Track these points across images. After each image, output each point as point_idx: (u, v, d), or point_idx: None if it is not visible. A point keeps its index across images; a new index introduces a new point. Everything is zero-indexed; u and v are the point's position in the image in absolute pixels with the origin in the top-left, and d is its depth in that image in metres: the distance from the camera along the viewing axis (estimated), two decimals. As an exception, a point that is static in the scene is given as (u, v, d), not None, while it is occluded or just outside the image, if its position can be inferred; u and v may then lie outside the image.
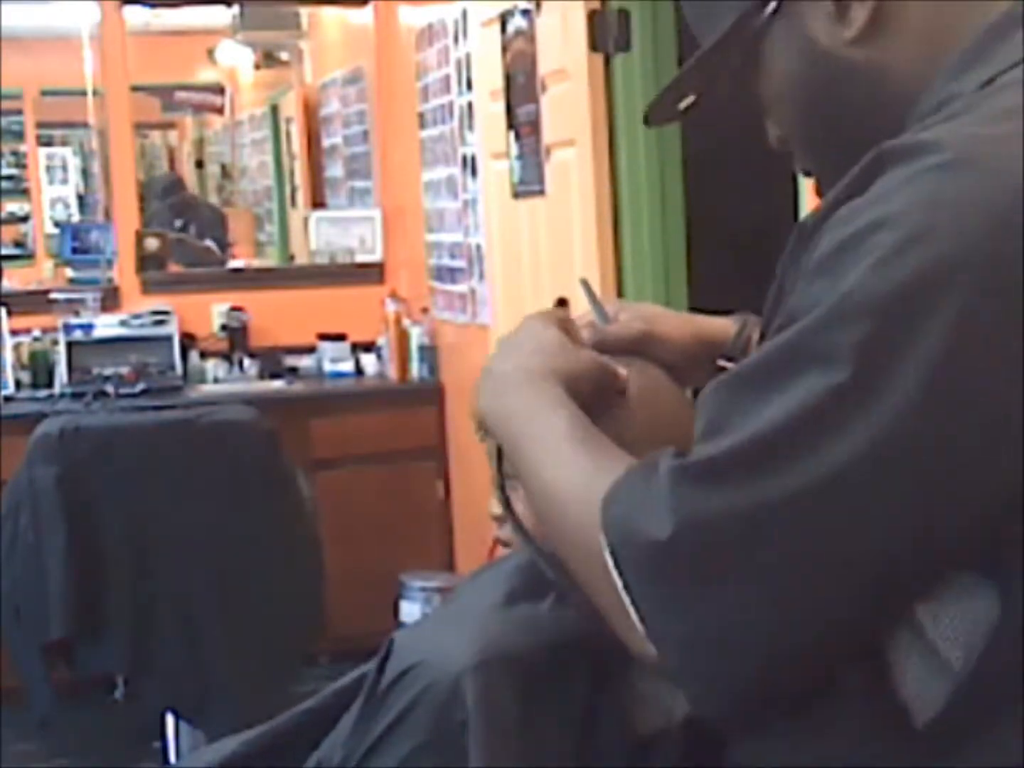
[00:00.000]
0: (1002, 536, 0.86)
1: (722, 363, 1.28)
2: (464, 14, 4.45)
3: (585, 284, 1.30)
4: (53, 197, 6.20)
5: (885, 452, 0.84)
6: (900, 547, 0.86)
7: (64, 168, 6.20)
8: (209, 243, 6.13)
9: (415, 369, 5.20)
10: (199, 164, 6.86)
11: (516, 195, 3.84)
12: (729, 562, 0.88)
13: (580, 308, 1.33)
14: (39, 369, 5.07)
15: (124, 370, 5.05)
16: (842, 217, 0.90)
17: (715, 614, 0.89)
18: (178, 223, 6.13)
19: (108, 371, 5.01)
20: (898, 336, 0.83)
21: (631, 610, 0.92)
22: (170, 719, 3.88)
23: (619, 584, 0.92)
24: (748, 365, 0.92)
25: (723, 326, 1.31)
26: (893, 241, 0.85)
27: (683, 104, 1.14)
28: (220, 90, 6.75)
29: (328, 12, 6.10)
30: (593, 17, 3.33)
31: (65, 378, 5.00)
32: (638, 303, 1.42)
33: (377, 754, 1.15)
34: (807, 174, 1.16)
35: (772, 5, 1.04)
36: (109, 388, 4.90)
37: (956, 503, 0.85)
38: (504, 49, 3.82)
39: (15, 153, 6.12)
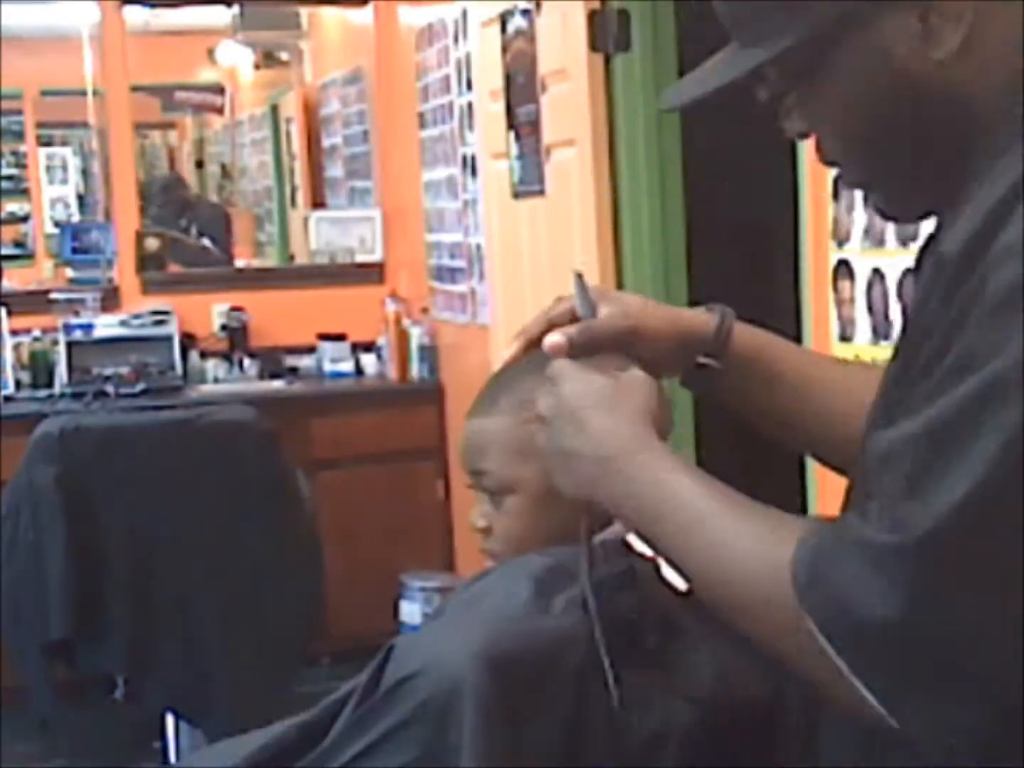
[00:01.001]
0: None
1: (703, 360, 1.28)
2: (464, 14, 4.45)
3: (579, 276, 1.29)
4: (53, 197, 6.20)
5: None
6: None
7: (64, 168, 6.20)
8: (206, 242, 6.13)
9: (415, 369, 5.20)
10: (199, 164, 6.86)
11: (516, 195, 3.83)
12: (964, 639, 0.88)
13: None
14: (39, 369, 5.07)
15: (124, 370, 5.05)
16: (1007, 253, 0.88)
17: (954, 693, 0.89)
18: (182, 223, 6.13)
19: (108, 371, 5.01)
20: None
21: (861, 688, 0.92)
22: (170, 719, 3.88)
23: (842, 664, 0.92)
24: (943, 415, 0.88)
25: (703, 320, 1.30)
26: None
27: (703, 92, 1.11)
28: (220, 90, 6.75)
29: (328, 12, 6.09)
30: (593, 17, 3.33)
31: (65, 378, 4.99)
32: (621, 293, 1.40)
33: (366, 759, 1.15)
34: (858, 187, 1.14)
35: (854, 14, 0.99)
36: (109, 388, 4.90)
37: None
38: (504, 49, 3.82)
39: (15, 153, 6.12)
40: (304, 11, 6.21)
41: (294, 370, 5.36)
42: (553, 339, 1.21)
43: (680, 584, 1.22)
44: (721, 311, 1.31)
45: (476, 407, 1.38)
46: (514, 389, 1.35)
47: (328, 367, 5.34)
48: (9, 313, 5.06)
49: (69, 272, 5.55)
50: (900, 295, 2.29)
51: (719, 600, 1.04)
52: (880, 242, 2.32)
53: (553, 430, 1.15)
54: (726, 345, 1.28)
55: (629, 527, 1.15)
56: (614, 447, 1.11)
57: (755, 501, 1.04)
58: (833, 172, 2.47)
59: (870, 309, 2.37)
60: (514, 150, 3.81)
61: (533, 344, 1.26)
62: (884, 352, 1.77)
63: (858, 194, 2.37)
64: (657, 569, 1.29)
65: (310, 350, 5.40)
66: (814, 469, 2.52)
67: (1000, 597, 0.86)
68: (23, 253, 6.03)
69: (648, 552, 1.22)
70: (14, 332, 5.08)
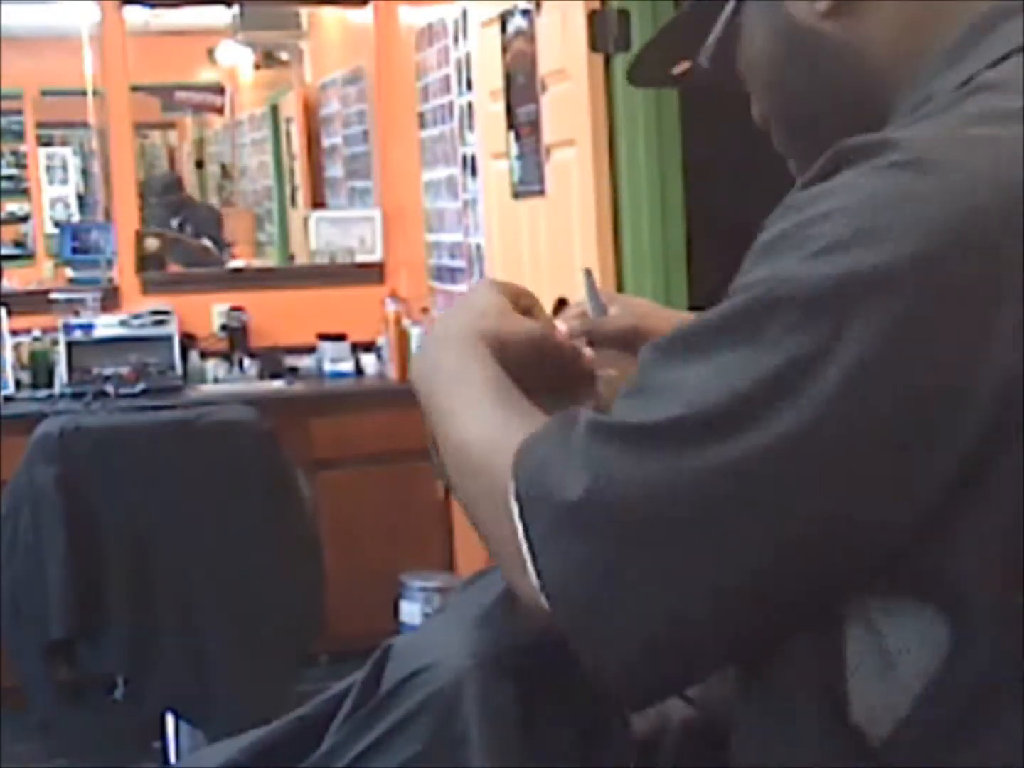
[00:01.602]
0: (950, 570, 0.84)
1: None
2: (464, 14, 4.45)
3: (588, 274, 1.30)
4: (53, 197, 6.19)
5: (800, 445, 0.83)
6: (809, 536, 0.84)
7: (64, 168, 6.20)
8: (206, 242, 6.13)
9: (415, 369, 5.20)
10: (199, 164, 6.86)
11: (516, 195, 3.84)
12: (636, 529, 0.86)
13: (578, 297, 1.34)
14: (39, 369, 5.07)
15: (124, 370, 5.05)
16: (793, 204, 0.89)
17: (614, 580, 0.87)
18: (174, 222, 6.13)
19: (108, 371, 5.01)
20: (824, 332, 0.82)
21: (529, 563, 0.91)
22: (170, 719, 3.88)
23: (521, 534, 0.91)
24: (682, 331, 0.91)
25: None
26: (835, 234, 0.83)
27: (676, 69, 1.15)
28: (220, 90, 6.75)
29: (328, 12, 6.10)
30: (593, 17, 3.33)
31: (65, 378, 5.00)
32: (630, 297, 1.41)
33: (370, 757, 1.15)
34: (784, 152, 1.16)
35: None
36: (109, 388, 4.90)
37: (869, 505, 0.83)
38: (504, 49, 3.82)
39: (15, 153, 6.12)
40: (304, 11, 6.21)
41: (294, 370, 5.36)
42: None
43: None
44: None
45: None
46: None
47: (328, 367, 5.34)
48: (9, 313, 5.06)
49: (69, 272, 5.55)
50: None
51: (458, 477, 1.05)
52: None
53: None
54: None
55: (425, 412, 1.14)
56: (445, 329, 1.15)
57: (529, 403, 1.06)
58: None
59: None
60: (514, 150, 3.82)
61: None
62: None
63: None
64: None
65: (310, 350, 5.40)
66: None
67: (676, 504, 0.85)
68: (23, 253, 6.02)
69: None
70: (14, 332, 5.08)
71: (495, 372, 1.08)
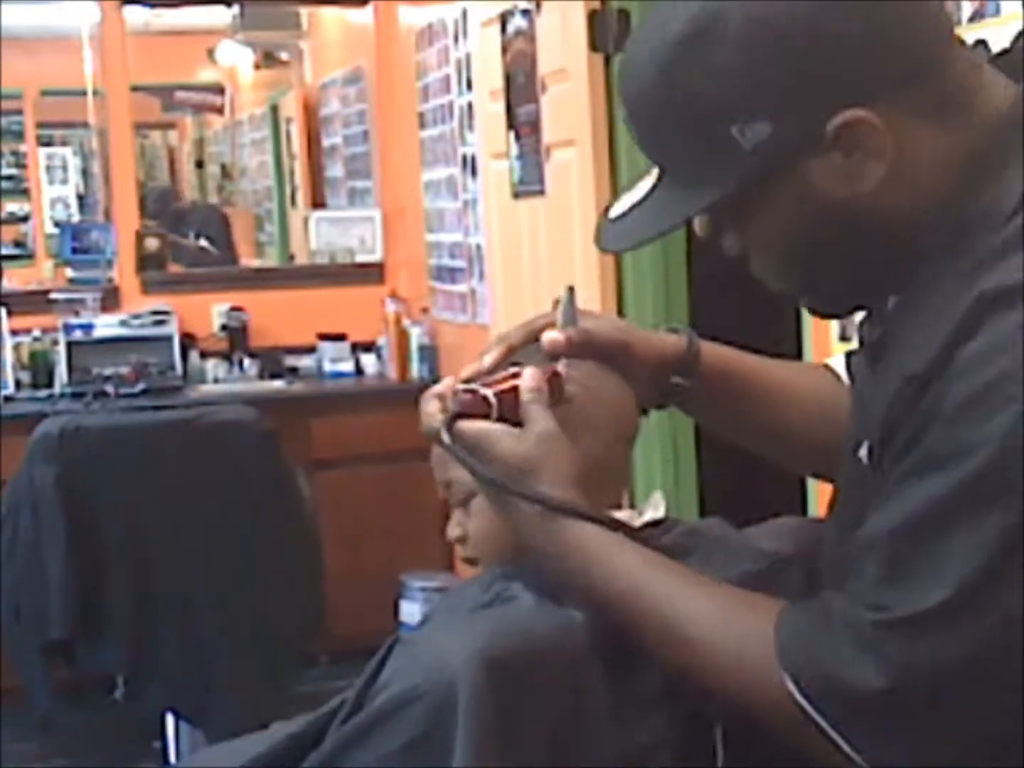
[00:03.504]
0: None
1: (676, 380, 1.32)
2: (464, 14, 4.45)
3: (571, 291, 1.30)
4: (53, 197, 6.19)
5: None
6: None
7: (64, 168, 6.20)
8: (204, 243, 6.13)
9: (415, 369, 5.20)
10: (199, 164, 6.86)
11: (516, 195, 3.84)
12: (945, 707, 0.97)
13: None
14: (39, 369, 5.07)
15: (124, 370, 5.05)
16: (967, 367, 0.96)
17: (934, 753, 0.98)
18: (181, 230, 6.14)
19: (108, 371, 5.01)
20: None
21: (846, 747, 1.01)
22: (170, 719, 3.87)
23: (826, 726, 1.01)
24: (919, 511, 0.98)
25: (674, 341, 1.34)
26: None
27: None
28: (220, 90, 6.75)
29: (328, 12, 6.10)
30: (593, 17, 3.33)
31: (65, 378, 4.99)
32: (612, 317, 1.47)
33: (358, 746, 1.15)
34: (787, 294, 1.19)
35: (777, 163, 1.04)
36: (109, 388, 4.90)
37: None
38: (504, 49, 3.82)
39: (15, 153, 6.12)
40: (304, 11, 6.21)
41: (294, 370, 5.36)
42: (552, 336, 1.24)
43: None
44: (687, 333, 1.35)
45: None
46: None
47: (328, 367, 5.34)
48: (9, 313, 5.06)
49: (69, 272, 5.55)
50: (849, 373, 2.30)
51: (692, 673, 1.10)
52: (880, 242, 2.31)
53: (508, 457, 1.17)
54: (696, 365, 1.32)
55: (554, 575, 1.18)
56: (554, 494, 1.15)
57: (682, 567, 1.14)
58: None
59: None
60: (514, 150, 3.81)
61: (513, 351, 1.28)
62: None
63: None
64: None
65: (310, 350, 5.40)
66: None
67: (975, 674, 0.96)
68: (23, 253, 6.02)
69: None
70: (14, 332, 5.08)
71: (646, 552, 1.15)
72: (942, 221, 1.03)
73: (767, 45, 0.99)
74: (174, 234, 6.02)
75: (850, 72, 1.00)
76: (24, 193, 6.15)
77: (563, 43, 3.45)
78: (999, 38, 1.25)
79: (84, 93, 5.57)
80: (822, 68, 1.00)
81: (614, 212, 1.16)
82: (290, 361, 5.39)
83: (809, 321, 2.61)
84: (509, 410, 1.20)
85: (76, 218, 6.08)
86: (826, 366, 1.44)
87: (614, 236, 1.16)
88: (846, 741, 1.00)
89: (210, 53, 6.44)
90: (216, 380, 5.29)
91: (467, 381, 1.25)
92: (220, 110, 6.82)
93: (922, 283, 1.05)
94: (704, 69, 1.01)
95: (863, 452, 1.08)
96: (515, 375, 1.22)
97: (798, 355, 2.69)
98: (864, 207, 1.04)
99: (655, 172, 1.12)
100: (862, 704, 0.99)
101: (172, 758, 3.93)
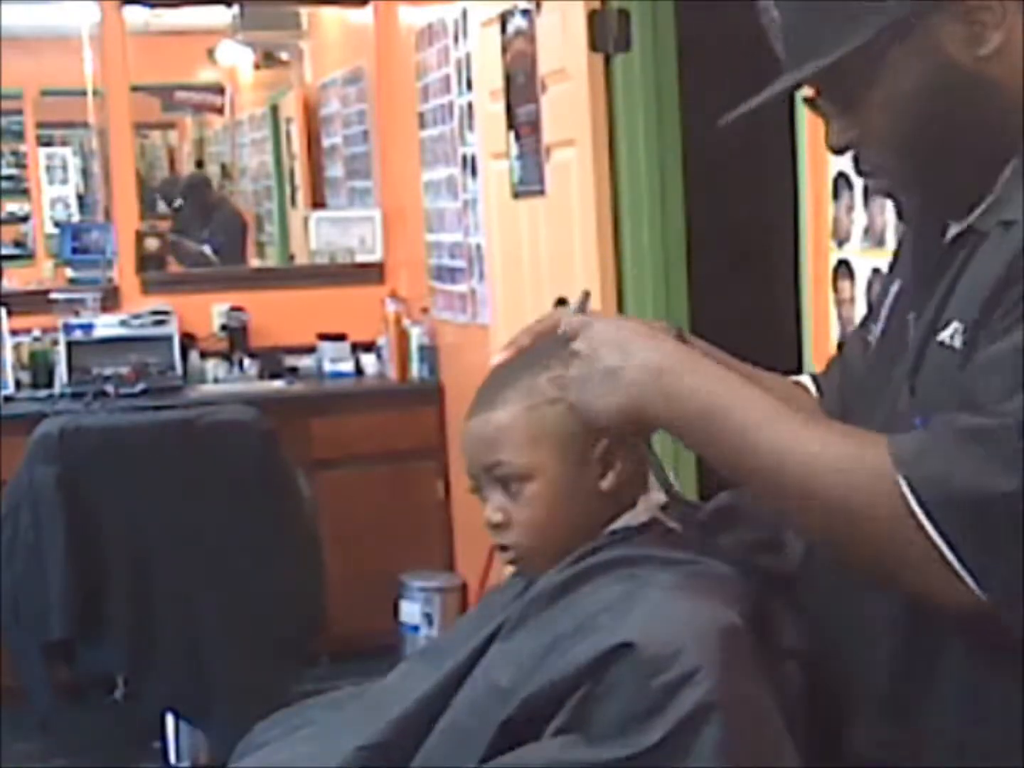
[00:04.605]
0: None
1: None
2: (464, 14, 4.45)
3: (586, 295, 1.34)
4: (53, 197, 6.19)
5: None
6: None
7: (64, 168, 6.19)
8: (206, 249, 6.13)
9: (415, 369, 5.20)
10: (199, 164, 6.85)
11: (516, 195, 3.83)
12: None
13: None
14: (39, 369, 5.07)
15: (124, 370, 5.05)
16: None
17: None
18: (198, 224, 6.15)
19: (108, 371, 5.01)
20: None
21: (953, 559, 1.02)
22: (170, 719, 3.88)
23: (937, 537, 1.02)
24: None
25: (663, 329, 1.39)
26: None
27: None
28: (220, 90, 6.74)
29: (328, 12, 6.09)
30: (593, 17, 3.32)
31: (65, 378, 4.99)
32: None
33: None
34: (888, 193, 1.27)
35: (908, 22, 1.12)
36: (109, 388, 4.90)
37: None
38: (504, 49, 3.82)
39: (15, 153, 6.11)
40: (304, 11, 6.20)
41: (294, 370, 5.36)
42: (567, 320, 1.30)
43: None
44: (674, 325, 1.39)
45: (479, 406, 1.39)
46: (517, 381, 1.36)
47: (328, 367, 5.34)
48: (9, 313, 5.06)
49: (69, 272, 5.55)
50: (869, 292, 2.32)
51: (792, 489, 1.11)
52: (880, 242, 2.32)
53: (591, 359, 1.22)
54: None
55: (681, 432, 1.19)
56: (662, 357, 1.19)
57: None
58: (833, 172, 2.47)
59: (870, 308, 2.36)
60: (514, 150, 3.81)
61: (523, 352, 1.36)
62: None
63: (858, 194, 2.37)
64: None
65: (310, 350, 5.40)
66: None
67: None
68: (23, 253, 6.02)
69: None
70: (14, 332, 5.08)
71: (767, 395, 1.17)
72: None
73: None
74: (188, 228, 6.04)
75: None
76: (24, 193, 6.15)
77: (563, 43, 3.45)
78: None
79: (84, 93, 5.57)
80: None
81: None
82: (290, 361, 5.39)
83: (809, 319, 2.61)
84: None
85: (76, 218, 6.07)
86: (797, 382, 1.50)
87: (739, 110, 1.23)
88: (955, 552, 1.02)
89: (210, 53, 6.44)
90: (216, 380, 5.28)
91: None
92: (220, 110, 6.81)
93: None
94: None
95: (948, 335, 1.12)
96: None
97: (798, 354, 2.69)
98: (976, 76, 1.13)
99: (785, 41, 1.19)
100: (983, 509, 1.01)
101: (172, 758, 3.93)
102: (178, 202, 6.31)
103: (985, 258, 1.12)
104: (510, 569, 1.43)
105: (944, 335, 1.13)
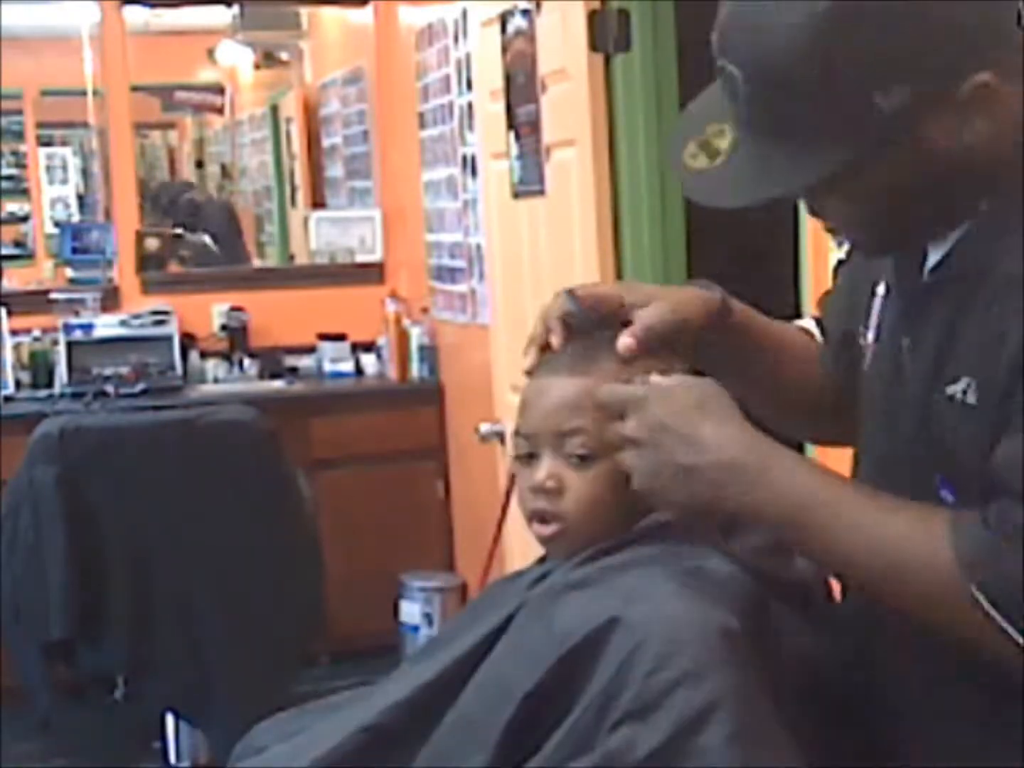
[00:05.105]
0: None
1: (711, 334, 1.39)
2: (464, 14, 4.45)
3: (570, 293, 1.34)
4: (53, 197, 6.19)
5: None
6: None
7: (64, 168, 6.20)
8: (207, 240, 6.13)
9: (415, 369, 5.20)
10: (199, 164, 6.86)
11: (516, 195, 3.83)
12: None
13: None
14: (39, 369, 5.07)
15: (124, 370, 5.05)
16: None
17: None
18: (189, 224, 6.15)
19: (108, 371, 5.01)
20: None
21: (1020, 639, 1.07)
22: (170, 719, 3.88)
23: (1015, 633, 1.07)
24: None
25: (709, 296, 1.41)
26: None
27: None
28: (220, 90, 6.75)
29: (328, 12, 6.09)
30: (593, 17, 3.32)
31: (65, 378, 4.99)
32: (635, 284, 1.54)
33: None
34: (853, 243, 1.30)
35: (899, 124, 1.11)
36: (109, 388, 4.90)
37: None
38: (504, 49, 3.82)
39: (15, 153, 6.12)
40: (304, 11, 6.21)
41: (294, 370, 5.36)
42: (625, 342, 1.30)
43: None
44: (712, 287, 1.42)
45: (565, 367, 1.34)
46: (604, 353, 1.33)
47: (328, 367, 5.34)
48: (9, 313, 5.06)
49: (69, 272, 5.55)
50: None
51: (872, 582, 1.16)
52: (880, 242, 2.31)
53: (656, 450, 1.20)
54: (728, 317, 1.40)
55: (766, 527, 1.22)
56: (739, 452, 1.18)
57: (883, 493, 1.17)
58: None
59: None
60: (514, 150, 3.81)
61: (546, 348, 1.35)
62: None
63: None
64: None
65: (310, 350, 5.40)
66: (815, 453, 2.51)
67: None
68: (23, 253, 6.02)
69: None
70: (14, 332, 5.08)
71: (832, 474, 1.20)
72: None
73: (912, 13, 1.08)
74: (183, 228, 6.04)
75: (981, 36, 1.09)
76: (24, 193, 6.15)
77: (563, 43, 3.45)
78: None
79: (84, 93, 5.57)
80: (959, 33, 1.09)
81: (694, 163, 1.21)
82: (290, 361, 5.39)
83: (808, 317, 2.61)
84: None
85: (76, 218, 6.08)
86: (803, 328, 1.54)
87: (715, 190, 1.21)
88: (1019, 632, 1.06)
89: (210, 53, 6.44)
90: (216, 380, 5.29)
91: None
92: (220, 110, 6.81)
93: (997, 218, 1.14)
94: (856, 39, 1.08)
95: (958, 389, 1.13)
96: None
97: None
98: (963, 158, 1.13)
99: (741, 131, 1.17)
100: None
101: (172, 758, 3.94)
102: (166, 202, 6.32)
103: (988, 311, 1.11)
104: (515, 564, 1.43)
105: (954, 389, 1.13)
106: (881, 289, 1.32)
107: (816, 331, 1.53)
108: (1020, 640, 1.06)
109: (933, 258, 1.21)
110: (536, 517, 1.34)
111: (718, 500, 1.18)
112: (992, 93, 1.10)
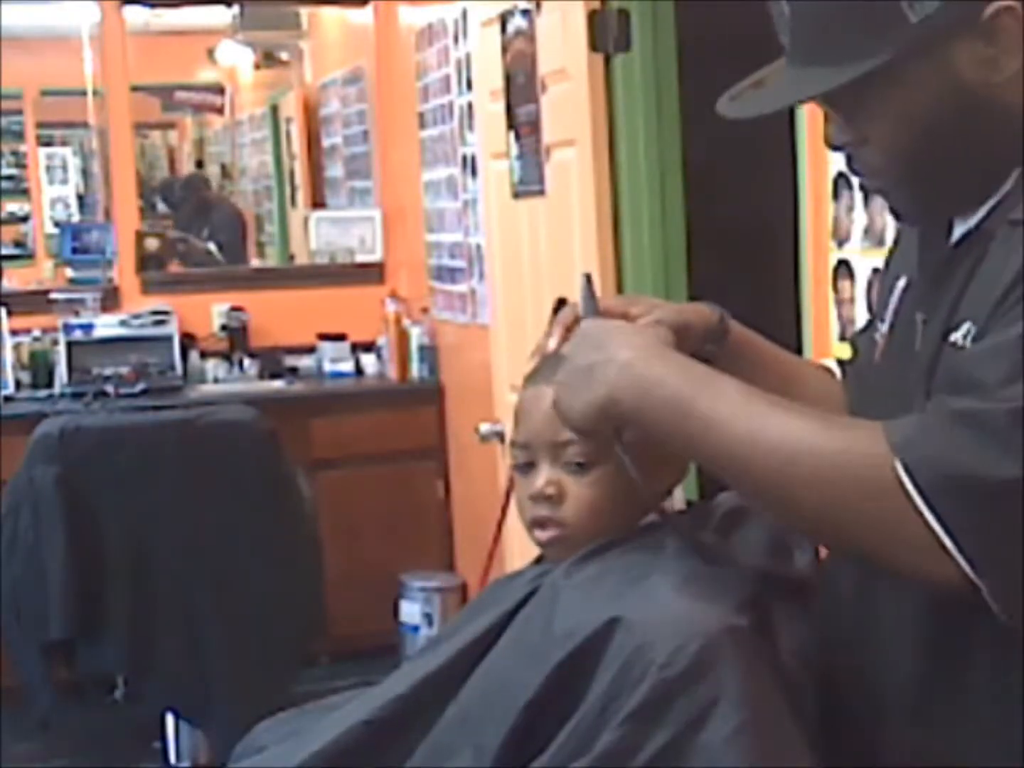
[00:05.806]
0: None
1: (710, 347, 1.39)
2: (464, 14, 4.45)
3: (588, 279, 1.33)
4: (53, 197, 6.19)
5: None
6: None
7: (64, 168, 6.20)
8: (211, 246, 6.13)
9: (415, 369, 5.20)
10: (199, 164, 6.86)
11: (516, 195, 3.83)
12: None
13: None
14: (39, 369, 5.07)
15: (124, 370, 5.05)
16: None
17: None
18: (197, 223, 6.15)
19: (108, 371, 5.01)
20: None
21: (948, 542, 1.01)
22: (170, 719, 3.88)
23: (934, 520, 1.02)
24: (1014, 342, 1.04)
25: (709, 312, 1.43)
26: None
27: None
28: (220, 90, 6.75)
29: (328, 12, 6.09)
30: (593, 17, 3.32)
31: (65, 378, 5.00)
32: (641, 297, 1.52)
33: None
34: (881, 193, 1.26)
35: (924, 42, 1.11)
36: (109, 388, 4.90)
37: None
38: (504, 49, 3.82)
39: (15, 153, 6.12)
40: (304, 11, 6.21)
41: (294, 370, 5.36)
42: None
43: None
44: (717, 307, 1.43)
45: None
46: None
47: (328, 367, 5.34)
48: (9, 313, 5.06)
49: (69, 272, 5.55)
50: (869, 294, 2.33)
51: (789, 481, 1.09)
52: (880, 242, 2.32)
53: (573, 356, 1.23)
54: (726, 335, 1.41)
55: (652, 425, 1.18)
56: (641, 357, 1.19)
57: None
58: (833, 172, 2.47)
59: (870, 309, 2.36)
60: (514, 150, 3.81)
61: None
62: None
63: (858, 194, 2.37)
64: None
65: (310, 350, 5.40)
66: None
67: None
68: (23, 253, 6.02)
69: None
70: (14, 332, 5.08)
71: (742, 382, 1.17)
72: None
73: None
74: (189, 227, 6.04)
75: None
76: (24, 193, 6.15)
77: (563, 43, 3.45)
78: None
79: (84, 93, 5.57)
80: None
81: (734, 92, 1.24)
82: (290, 361, 5.39)
83: (809, 319, 2.61)
84: None
85: (76, 218, 6.08)
86: (822, 365, 1.52)
87: (748, 105, 1.23)
88: (951, 537, 1.01)
89: (210, 53, 6.44)
90: (216, 380, 5.29)
91: None
92: (220, 110, 6.81)
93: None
94: None
95: (960, 335, 1.12)
96: None
97: (798, 352, 2.69)
98: (990, 98, 1.13)
99: (787, 63, 1.19)
100: (982, 495, 1.00)
101: (172, 758, 3.94)
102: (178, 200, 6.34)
103: (996, 258, 1.12)
104: (515, 564, 1.43)
105: (956, 335, 1.13)
106: (901, 283, 1.32)
107: (837, 369, 1.51)
108: (935, 525, 1.01)
109: (959, 231, 1.21)
110: (536, 524, 1.34)
111: (612, 402, 1.18)
112: (1016, 24, 1.11)
